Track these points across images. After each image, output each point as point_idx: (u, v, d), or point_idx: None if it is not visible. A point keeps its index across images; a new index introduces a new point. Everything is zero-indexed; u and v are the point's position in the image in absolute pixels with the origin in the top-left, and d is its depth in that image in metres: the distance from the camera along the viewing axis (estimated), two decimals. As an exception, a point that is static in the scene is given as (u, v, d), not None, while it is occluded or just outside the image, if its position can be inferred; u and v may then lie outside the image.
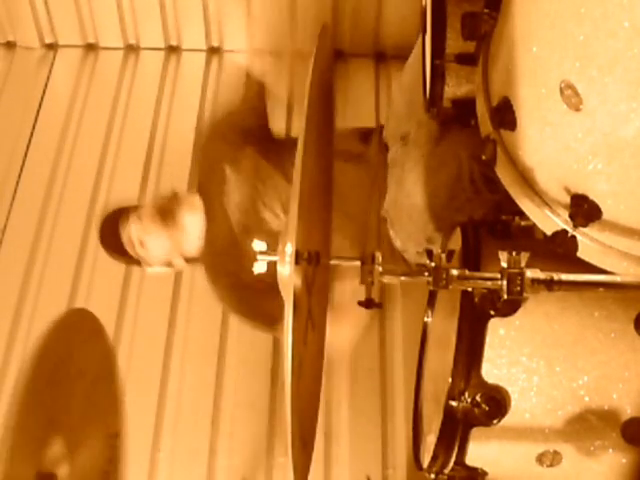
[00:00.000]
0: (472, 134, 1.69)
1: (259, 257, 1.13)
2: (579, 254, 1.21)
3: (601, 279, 1.18)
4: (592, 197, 1.12)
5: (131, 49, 3.32)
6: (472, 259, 1.33)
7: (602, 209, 1.13)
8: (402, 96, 2.14)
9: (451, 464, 1.34)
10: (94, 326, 1.58)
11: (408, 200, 1.89)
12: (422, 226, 1.89)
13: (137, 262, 2.12)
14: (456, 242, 1.42)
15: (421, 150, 1.90)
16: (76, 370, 1.48)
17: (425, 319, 1.63)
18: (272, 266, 1.11)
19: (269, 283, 1.16)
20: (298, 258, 1.02)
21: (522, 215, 1.31)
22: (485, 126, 1.30)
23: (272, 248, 1.12)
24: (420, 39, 1.79)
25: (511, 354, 1.28)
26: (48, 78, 3.24)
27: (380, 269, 1.15)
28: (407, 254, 1.96)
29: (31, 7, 3.17)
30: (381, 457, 2.38)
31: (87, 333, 1.57)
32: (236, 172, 2.03)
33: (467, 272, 1.17)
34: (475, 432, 1.29)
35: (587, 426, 1.29)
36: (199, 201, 2.08)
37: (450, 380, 1.27)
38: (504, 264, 1.13)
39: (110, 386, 1.63)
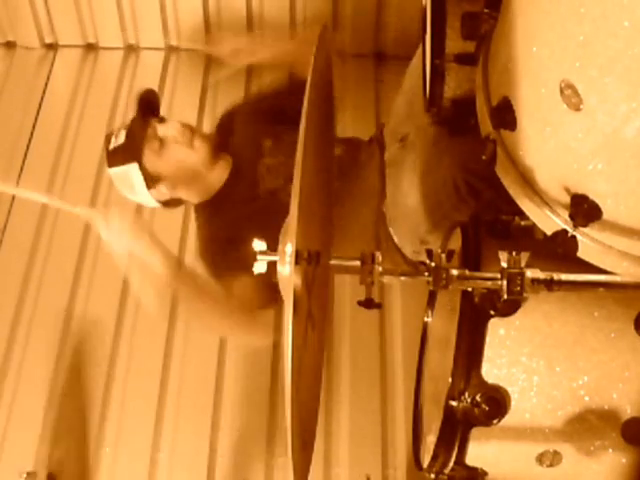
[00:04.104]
0: (462, 142, 1.69)
1: (259, 257, 1.12)
2: (579, 254, 1.21)
3: (601, 279, 1.18)
4: (592, 197, 1.12)
5: (131, 49, 3.32)
6: (472, 259, 1.32)
7: (602, 209, 1.13)
8: (403, 97, 2.15)
9: (451, 464, 1.34)
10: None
11: (404, 200, 1.92)
12: (415, 227, 1.93)
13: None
14: (456, 242, 1.42)
15: (417, 153, 1.93)
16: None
17: (425, 319, 1.63)
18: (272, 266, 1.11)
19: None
20: (298, 258, 1.02)
21: (522, 215, 1.31)
22: (485, 126, 1.30)
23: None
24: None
25: (511, 354, 1.28)
26: (48, 78, 3.24)
27: (380, 269, 1.15)
28: (405, 250, 2.00)
29: (31, 7, 3.17)
30: (381, 457, 2.38)
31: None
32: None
33: (467, 272, 1.17)
34: (475, 432, 1.29)
35: (587, 426, 1.29)
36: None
37: (450, 380, 1.27)
38: (504, 264, 1.13)
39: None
